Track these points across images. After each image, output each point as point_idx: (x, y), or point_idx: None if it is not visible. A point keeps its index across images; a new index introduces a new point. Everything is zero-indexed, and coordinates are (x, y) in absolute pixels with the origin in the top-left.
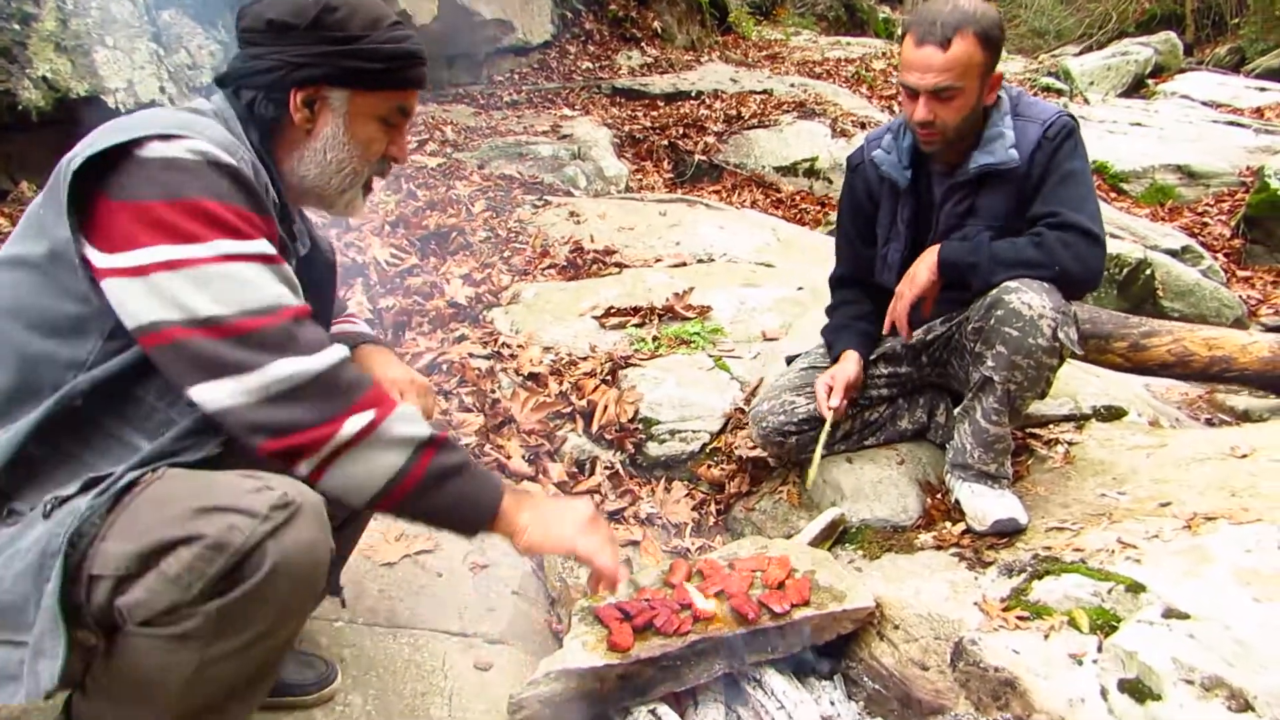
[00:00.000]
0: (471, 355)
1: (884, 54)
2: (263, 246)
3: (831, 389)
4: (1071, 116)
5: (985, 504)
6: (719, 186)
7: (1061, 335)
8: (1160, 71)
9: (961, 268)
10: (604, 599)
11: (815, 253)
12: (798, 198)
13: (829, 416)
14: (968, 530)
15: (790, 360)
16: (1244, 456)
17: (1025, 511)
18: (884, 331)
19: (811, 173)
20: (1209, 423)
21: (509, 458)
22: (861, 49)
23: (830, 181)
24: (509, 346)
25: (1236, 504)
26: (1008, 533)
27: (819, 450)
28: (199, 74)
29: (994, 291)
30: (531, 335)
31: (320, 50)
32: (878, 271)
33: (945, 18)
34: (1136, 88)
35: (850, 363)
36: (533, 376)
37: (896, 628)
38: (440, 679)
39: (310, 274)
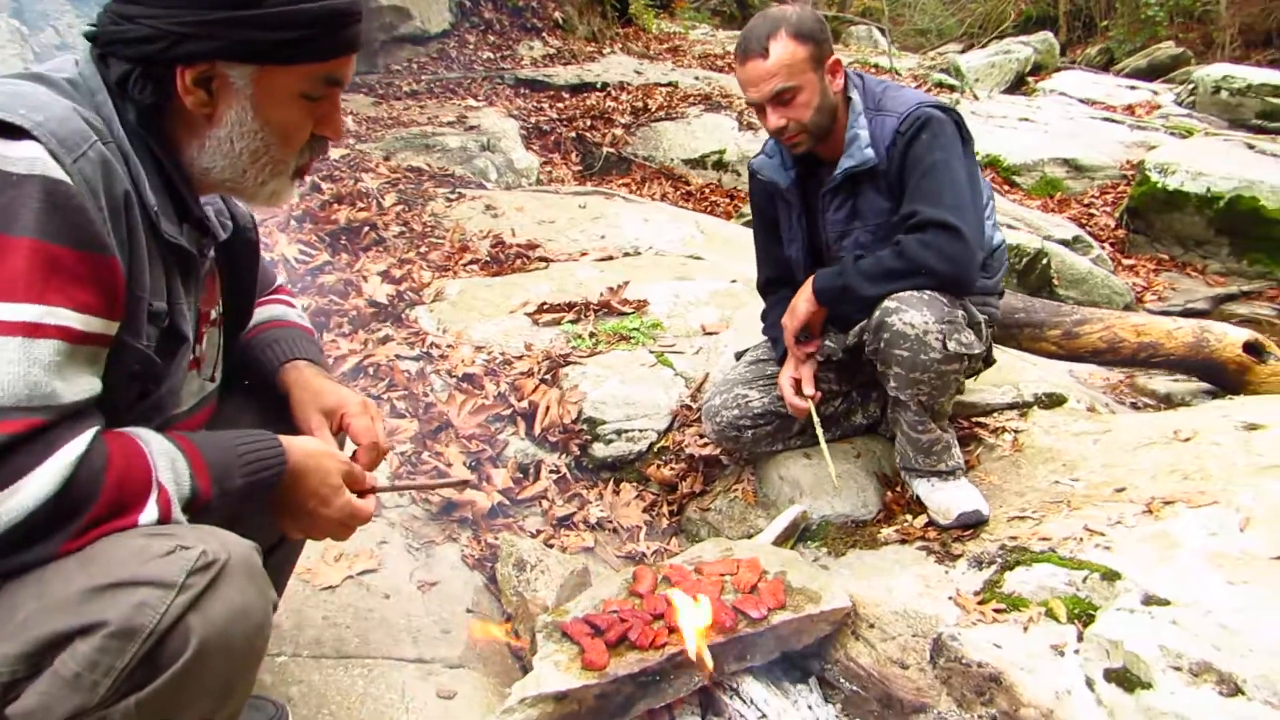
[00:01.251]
0: (399, 357)
1: None
2: (45, 315)
3: (799, 380)
4: (938, 107)
5: (947, 497)
6: (628, 179)
7: (952, 345)
8: (1039, 70)
9: (833, 293)
10: (566, 613)
11: (740, 245)
12: (707, 190)
13: (810, 405)
14: (930, 523)
15: (739, 356)
16: (1187, 440)
17: (985, 502)
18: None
19: (720, 165)
20: (1134, 406)
21: (449, 465)
22: None
23: (739, 174)
24: (438, 346)
25: (1191, 487)
26: (972, 524)
27: (822, 443)
28: (71, 55)
29: (877, 314)
30: (460, 334)
31: (211, 17)
32: (793, 270)
33: (758, 30)
34: (1018, 85)
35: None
36: (467, 378)
37: (872, 626)
38: (401, 713)
39: (231, 257)
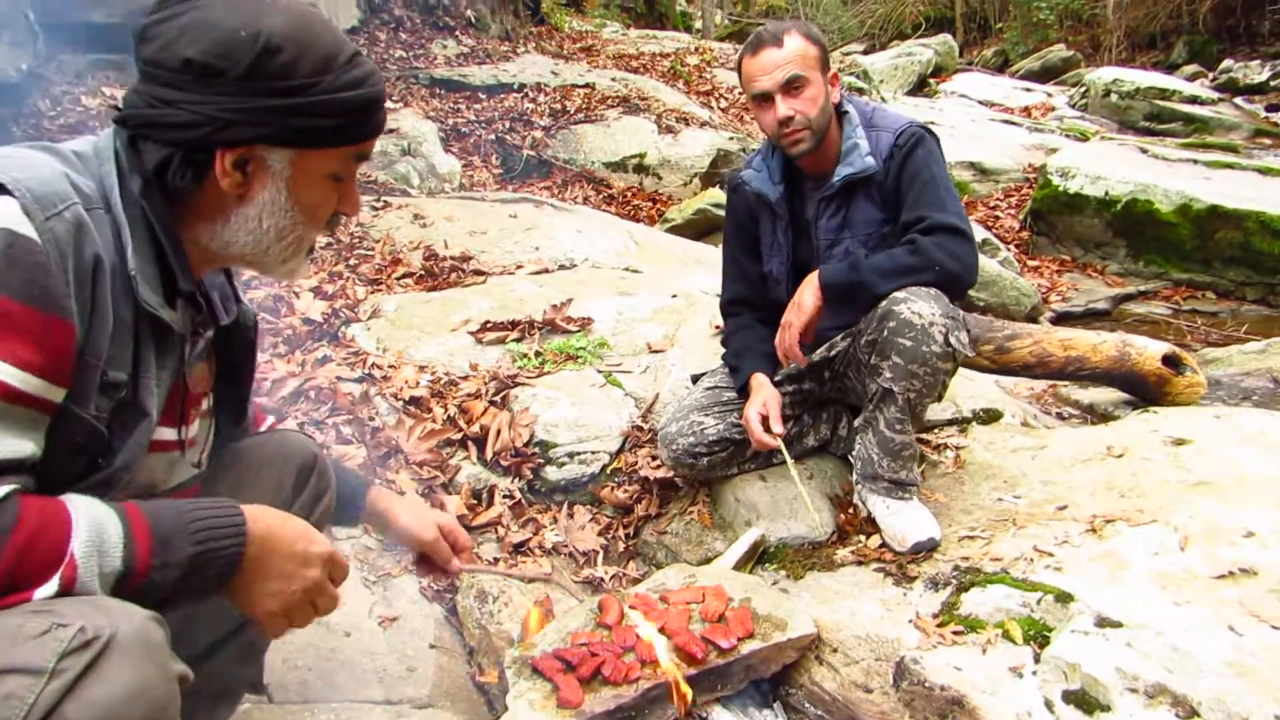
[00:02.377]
0: (340, 379)
1: (696, 49)
2: None
3: (766, 417)
4: (924, 127)
5: (901, 524)
6: (549, 182)
7: (953, 340)
8: (940, 71)
9: (844, 287)
10: (533, 647)
11: (674, 257)
12: (629, 194)
13: (779, 444)
14: (884, 544)
15: (696, 379)
16: (1120, 456)
17: (938, 524)
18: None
19: (641, 169)
20: (1060, 416)
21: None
22: (674, 44)
23: (660, 178)
24: (379, 367)
25: (1129, 505)
26: (924, 550)
27: (799, 483)
28: (91, 137)
29: (884, 303)
30: (402, 354)
31: (258, 105)
32: (769, 288)
33: (771, 28)
34: (920, 86)
35: (767, 386)
36: (414, 401)
37: (835, 651)
38: None
39: (228, 345)
